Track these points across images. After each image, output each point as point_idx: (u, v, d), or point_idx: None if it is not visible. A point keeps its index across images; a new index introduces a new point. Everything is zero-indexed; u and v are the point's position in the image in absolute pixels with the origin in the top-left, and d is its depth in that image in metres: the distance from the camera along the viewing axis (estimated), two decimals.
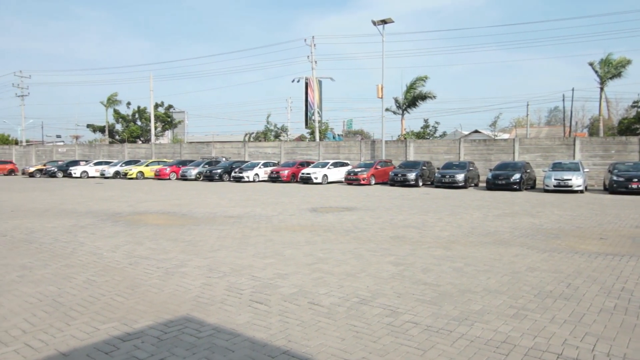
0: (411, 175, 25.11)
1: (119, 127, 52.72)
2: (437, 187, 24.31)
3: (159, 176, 33.92)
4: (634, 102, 30.63)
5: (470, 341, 3.88)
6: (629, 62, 31.57)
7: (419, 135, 36.12)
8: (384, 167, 27.91)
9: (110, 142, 50.73)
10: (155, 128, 49.61)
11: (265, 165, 31.52)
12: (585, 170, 21.94)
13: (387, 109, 33.51)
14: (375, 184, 26.70)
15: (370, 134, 78.31)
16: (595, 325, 4.28)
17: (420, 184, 25.50)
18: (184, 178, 32.16)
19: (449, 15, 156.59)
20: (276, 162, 33.29)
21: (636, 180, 19.48)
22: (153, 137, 46.32)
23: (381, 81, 29.61)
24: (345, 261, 6.87)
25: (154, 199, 17.37)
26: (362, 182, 26.13)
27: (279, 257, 7.11)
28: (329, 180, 28.34)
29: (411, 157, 30.33)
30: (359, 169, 27.19)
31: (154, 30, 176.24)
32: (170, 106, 54.01)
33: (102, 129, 54.66)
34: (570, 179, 20.39)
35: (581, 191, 20.56)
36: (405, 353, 3.65)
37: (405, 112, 37.17)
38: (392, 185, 25.82)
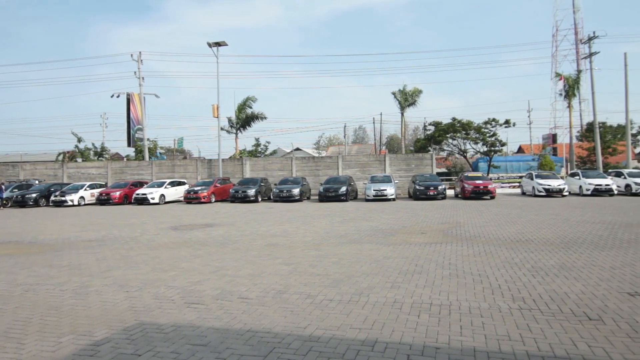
0: (251, 192, 26.56)
1: None
2: (275, 201, 26.22)
3: None
4: (425, 126, 37.77)
5: (373, 304, 5.40)
6: (420, 91, 38.94)
7: (252, 154, 37.90)
8: (223, 184, 28.73)
9: None
10: None
11: (92, 187, 29.27)
12: (396, 181, 26.52)
13: (222, 128, 34.46)
14: (216, 201, 27.34)
15: (190, 152, 77.59)
16: (443, 286, 6.24)
17: (260, 199, 27.13)
18: None
19: (250, 35, 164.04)
20: (104, 183, 31.11)
21: (432, 188, 24.49)
22: None
23: (216, 101, 30.44)
24: (242, 266, 7.84)
25: None
26: (203, 200, 26.50)
27: (179, 270, 7.68)
28: (167, 200, 27.88)
29: (247, 174, 31.79)
30: (199, 187, 27.48)
31: None
32: None
33: None
34: (385, 189, 24.45)
35: (394, 199, 24.81)
36: (335, 317, 4.95)
37: (239, 131, 38.61)
38: (232, 201, 26.83)
